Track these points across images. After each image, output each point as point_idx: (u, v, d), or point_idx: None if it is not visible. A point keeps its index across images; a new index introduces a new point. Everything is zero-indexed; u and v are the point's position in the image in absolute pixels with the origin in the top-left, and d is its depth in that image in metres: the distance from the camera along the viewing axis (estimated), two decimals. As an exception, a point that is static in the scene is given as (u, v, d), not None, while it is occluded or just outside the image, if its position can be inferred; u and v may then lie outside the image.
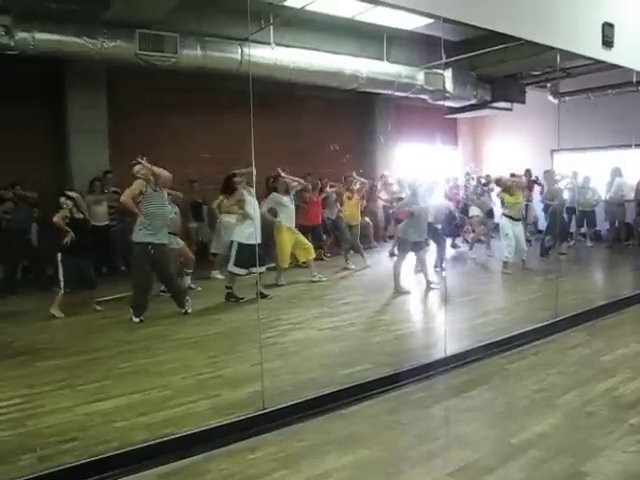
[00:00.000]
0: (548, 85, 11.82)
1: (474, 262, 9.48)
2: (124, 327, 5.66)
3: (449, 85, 10.71)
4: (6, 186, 7.74)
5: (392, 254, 9.45)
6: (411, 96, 10.80)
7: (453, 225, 10.29)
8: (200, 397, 3.80)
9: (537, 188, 11.09)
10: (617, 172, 10.70)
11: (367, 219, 10.67)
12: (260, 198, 7.46)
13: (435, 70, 10.27)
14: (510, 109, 12.29)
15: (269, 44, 8.51)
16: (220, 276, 8.06)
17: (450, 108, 12.37)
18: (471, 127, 14.70)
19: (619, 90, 10.62)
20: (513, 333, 5.01)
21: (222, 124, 9.85)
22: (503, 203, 8.55)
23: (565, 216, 10.41)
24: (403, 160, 12.89)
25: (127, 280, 6.45)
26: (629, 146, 9.78)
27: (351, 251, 9.18)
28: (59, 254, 6.13)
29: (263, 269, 6.80)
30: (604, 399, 3.72)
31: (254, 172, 5.04)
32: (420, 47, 9.87)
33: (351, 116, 12.35)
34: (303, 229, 8.60)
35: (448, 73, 10.55)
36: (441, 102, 11.47)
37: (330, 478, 2.83)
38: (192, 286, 7.43)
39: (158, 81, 8.94)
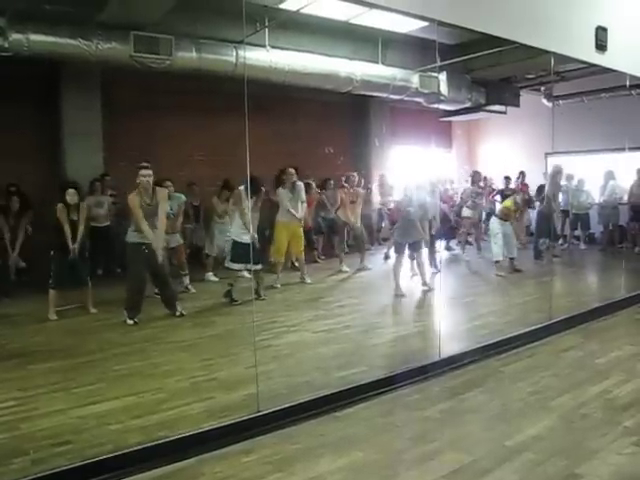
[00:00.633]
0: (542, 88, 11.87)
1: (467, 265, 9.49)
2: (118, 329, 5.64)
3: (444, 88, 10.74)
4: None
5: (387, 257, 9.47)
6: (406, 99, 10.81)
7: (448, 227, 10.30)
8: (194, 400, 3.78)
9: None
10: (611, 175, 10.74)
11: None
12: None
13: (430, 73, 10.30)
14: (504, 112, 12.34)
15: (264, 47, 8.51)
16: (214, 278, 8.07)
17: (445, 111, 12.41)
18: (465, 130, 14.74)
19: (613, 94, 10.67)
20: (508, 335, 5.03)
21: (217, 126, 9.84)
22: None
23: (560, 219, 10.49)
24: (398, 163, 12.90)
25: (123, 282, 6.41)
26: (622, 149, 9.80)
27: (343, 253, 9.21)
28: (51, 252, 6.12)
29: (258, 266, 6.80)
30: (598, 401, 3.74)
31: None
32: (415, 50, 9.88)
33: (346, 119, 12.35)
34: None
35: (443, 76, 10.59)
36: (436, 105, 11.50)
37: (325, 481, 2.83)
38: (189, 287, 7.42)
39: (153, 83, 8.93)
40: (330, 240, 10.12)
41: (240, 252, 6.57)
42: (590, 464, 2.92)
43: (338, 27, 8.81)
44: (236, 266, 6.73)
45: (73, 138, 8.69)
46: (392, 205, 10.78)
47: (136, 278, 5.89)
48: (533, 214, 10.10)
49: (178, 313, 6.12)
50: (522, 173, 11.40)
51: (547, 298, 5.92)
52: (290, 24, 8.69)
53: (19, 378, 4.27)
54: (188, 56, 8.01)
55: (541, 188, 10.08)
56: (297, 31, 8.87)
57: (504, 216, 8.55)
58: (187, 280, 7.46)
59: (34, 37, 6.95)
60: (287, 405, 3.53)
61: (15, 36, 6.80)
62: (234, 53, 8.30)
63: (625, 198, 10.58)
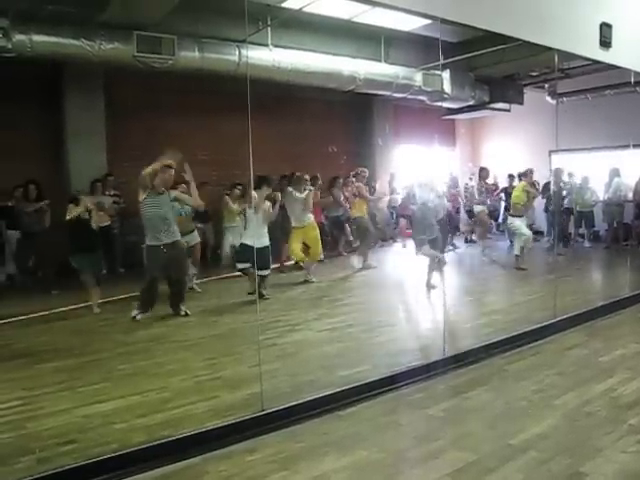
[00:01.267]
0: (546, 86, 11.85)
1: (475, 262, 9.47)
2: (123, 329, 5.66)
3: (447, 86, 10.72)
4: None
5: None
6: (409, 97, 10.80)
7: (452, 225, 10.31)
8: (199, 399, 3.79)
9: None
10: (615, 172, 10.70)
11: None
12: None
13: (433, 71, 10.28)
14: (508, 110, 12.30)
15: (267, 46, 8.51)
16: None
17: (448, 109, 12.39)
18: (469, 128, 14.71)
19: (617, 91, 10.65)
20: (512, 334, 5.01)
21: (220, 126, 9.85)
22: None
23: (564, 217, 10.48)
24: (401, 161, 12.89)
25: (127, 282, 6.44)
26: (627, 146, 9.79)
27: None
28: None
29: (266, 272, 6.82)
30: (603, 399, 3.72)
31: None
32: (418, 48, 9.87)
33: (349, 117, 12.35)
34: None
35: (446, 74, 10.56)
36: (439, 103, 11.49)
37: (329, 479, 2.83)
38: (194, 287, 7.44)
39: (156, 83, 8.95)
40: (335, 238, 10.11)
41: (247, 254, 6.59)
42: (595, 462, 2.91)
43: (341, 25, 8.81)
44: (242, 265, 6.73)
45: (76, 138, 8.73)
46: (399, 202, 10.83)
47: (152, 275, 5.94)
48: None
49: (183, 312, 6.13)
50: (530, 171, 11.37)
51: (552, 296, 5.90)
52: (293, 23, 8.69)
53: (25, 378, 4.28)
54: (191, 56, 8.02)
55: (547, 185, 10.06)
56: (300, 30, 8.86)
57: (517, 212, 8.55)
58: (194, 280, 7.46)
59: (37, 38, 6.97)
60: (291, 404, 3.53)
61: (18, 37, 6.82)
62: (237, 52, 8.31)
63: (630, 196, 10.54)
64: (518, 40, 5.22)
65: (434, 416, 3.56)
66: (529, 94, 12.08)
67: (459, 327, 5.49)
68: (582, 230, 11.16)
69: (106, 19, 7.25)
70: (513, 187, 10.72)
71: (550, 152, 11.16)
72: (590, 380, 4.08)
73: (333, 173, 10.27)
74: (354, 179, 9.22)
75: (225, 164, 9.58)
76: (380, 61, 9.86)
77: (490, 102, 11.79)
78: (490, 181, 11.08)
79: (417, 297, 7.14)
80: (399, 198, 11.28)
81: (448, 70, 10.46)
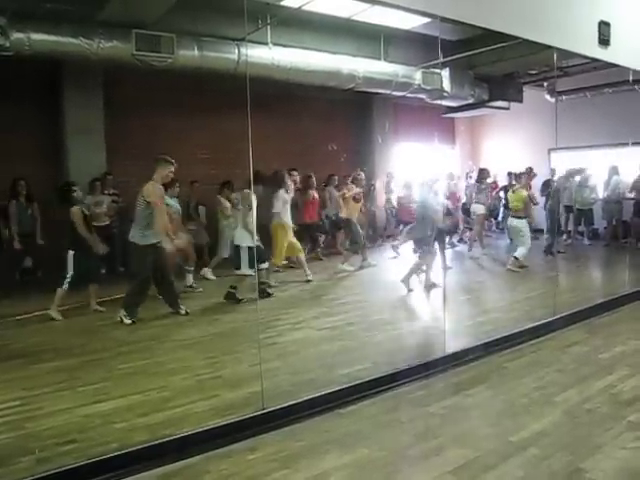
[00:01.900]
0: (545, 84, 11.83)
1: (474, 261, 9.47)
2: (123, 328, 5.65)
3: (446, 84, 10.71)
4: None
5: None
6: (409, 95, 10.79)
7: (451, 224, 10.30)
8: (199, 398, 3.79)
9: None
10: (614, 170, 10.72)
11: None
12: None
13: (432, 69, 10.27)
14: (507, 108, 12.30)
15: (266, 44, 8.49)
16: (211, 276, 8.06)
17: (448, 107, 12.38)
18: (469, 126, 14.71)
19: (616, 89, 10.65)
20: (512, 331, 5.02)
21: (219, 124, 9.84)
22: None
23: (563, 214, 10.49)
24: (401, 159, 12.89)
25: (126, 281, 6.41)
26: (626, 144, 9.79)
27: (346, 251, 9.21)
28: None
29: (265, 265, 6.87)
30: (603, 396, 3.74)
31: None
32: (417, 46, 9.85)
33: (349, 116, 12.34)
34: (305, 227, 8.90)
35: (445, 72, 10.55)
36: (439, 101, 11.47)
37: (330, 478, 2.83)
38: (194, 285, 7.43)
39: (155, 82, 8.93)
40: (333, 238, 10.10)
41: (244, 256, 6.59)
42: (595, 459, 2.92)
43: (340, 24, 8.79)
44: (245, 271, 6.70)
45: (75, 137, 8.71)
46: (395, 203, 10.82)
47: (139, 276, 5.91)
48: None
49: (183, 312, 6.13)
50: (530, 169, 11.37)
51: (551, 294, 5.91)
52: (292, 21, 8.67)
53: (24, 377, 4.28)
54: (190, 54, 8.00)
55: (547, 183, 10.06)
56: (299, 28, 8.84)
57: (519, 213, 8.52)
58: (191, 278, 7.47)
59: (35, 36, 6.94)
60: (292, 402, 3.54)
61: (16, 35, 6.79)
62: (236, 51, 8.29)
63: (628, 193, 10.55)
64: (517, 38, 5.22)
65: (435, 414, 3.56)
66: (528, 92, 12.07)
67: (459, 325, 5.50)
68: (581, 228, 11.16)
69: (105, 17, 7.22)
70: (512, 185, 10.74)
71: (549, 150, 11.17)
72: (590, 377, 4.10)
73: (333, 171, 10.27)
74: (353, 185, 9.09)
75: (225, 162, 9.56)
76: (379, 59, 9.84)
77: (489, 100, 11.78)
78: (490, 180, 11.08)
79: (417, 295, 7.13)
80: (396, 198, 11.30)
81: (448, 68, 10.45)
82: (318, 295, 7.15)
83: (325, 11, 8.12)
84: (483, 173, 10.29)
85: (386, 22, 8.90)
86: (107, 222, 8.31)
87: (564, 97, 11.43)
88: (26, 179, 7.70)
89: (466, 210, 10.97)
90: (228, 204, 8.08)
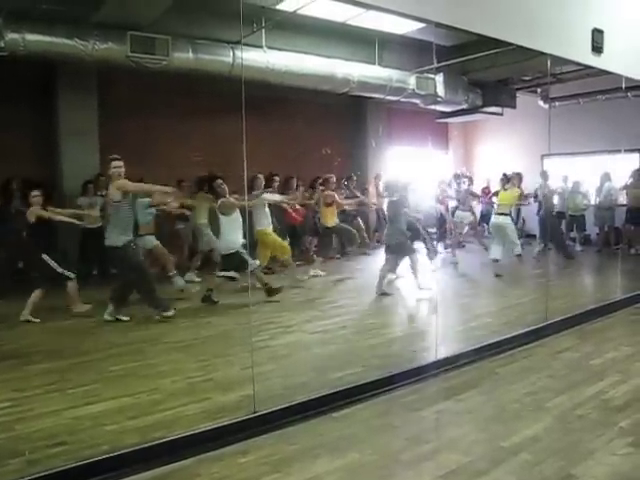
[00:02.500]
0: (538, 90, 11.92)
1: (457, 267, 9.40)
2: (114, 330, 5.63)
3: (440, 89, 10.77)
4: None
5: None
6: (402, 100, 10.83)
7: (443, 229, 10.30)
8: (190, 400, 3.78)
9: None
10: (607, 177, 10.78)
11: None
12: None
13: (427, 74, 10.33)
14: (501, 114, 12.38)
15: (261, 47, 8.52)
16: (197, 278, 8.03)
17: (441, 112, 12.43)
18: (462, 132, 14.76)
19: (609, 96, 10.71)
20: (503, 337, 5.03)
21: (214, 127, 9.83)
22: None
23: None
24: (394, 164, 12.92)
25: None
26: (618, 151, 9.86)
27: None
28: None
29: (256, 263, 6.93)
30: (594, 402, 3.75)
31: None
32: (412, 51, 9.90)
33: (343, 120, 12.37)
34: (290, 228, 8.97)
35: (439, 78, 10.61)
36: (432, 106, 11.52)
37: (321, 481, 2.82)
38: (189, 284, 7.40)
39: (149, 84, 8.92)
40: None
41: (230, 261, 6.65)
42: (586, 464, 2.92)
43: (335, 28, 8.83)
44: (227, 273, 6.74)
45: (69, 138, 8.69)
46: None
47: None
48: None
49: (170, 313, 6.03)
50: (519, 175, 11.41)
51: (543, 299, 5.93)
52: (287, 25, 8.69)
53: (14, 379, 4.25)
54: (185, 56, 8.01)
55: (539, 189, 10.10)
56: (294, 32, 8.88)
57: (503, 209, 8.47)
58: (181, 281, 7.40)
59: (30, 37, 6.94)
60: (284, 406, 3.53)
61: (11, 36, 6.79)
62: (231, 54, 8.30)
63: (621, 200, 10.61)
64: (511, 44, 5.26)
65: (427, 418, 3.56)
66: (522, 98, 12.14)
67: (451, 330, 5.51)
68: (573, 234, 11.22)
69: (100, 19, 7.22)
70: (505, 189, 10.76)
71: (542, 156, 11.22)
72: (581, 383, 4.11)
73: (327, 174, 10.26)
74: (322, 187, 8.92)
75: (218, 165, 9.53)
76: (374, 64, 9.89)
77: (483, 106, 11.85)
78: (483, 184, 11.10)
79: (409, 300, 7.14)
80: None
81: (442, 73, 10.51)
82: (311, 299, 7.14)
83: (320, 15, 8.15)
84: (469, 180, 10.28)
85: (381, 27, 8.96)
86: (100, 224, 8.24)
87: (557, 103, 11.49)
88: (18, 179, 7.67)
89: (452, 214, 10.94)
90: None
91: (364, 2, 4.34)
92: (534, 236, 11.04)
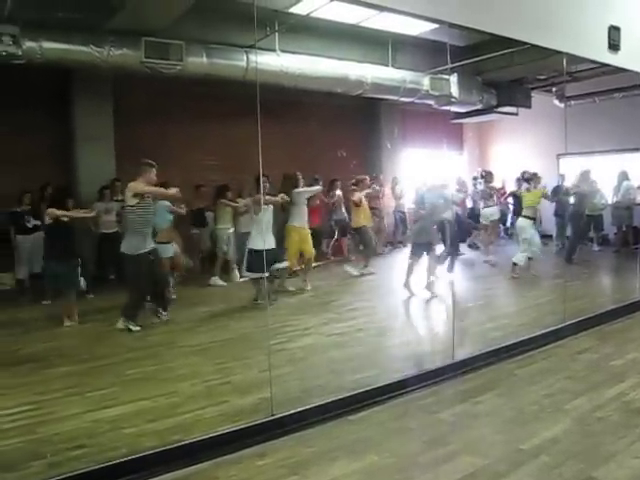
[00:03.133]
0: (554, 89, 11.79)
1: (488, 266, 9.35)
2: (130, 334, 5.66)
3: (454, 90, 10.70)
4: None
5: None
6: (417, 101, 10.81)
7: (463, 230, 10.24)
8: (208, 404, 3.79)
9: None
10: (624, 176, 10.66)
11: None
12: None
13: (440, 75, 10.28)
14: (516, 114, 12.28)
15: (275, 51, 8.54)
16: (221, 282, 8.07)
17: (456, 113, 12.39)
18: (477, 132, 14.69)
19: (625, 94, 10.59)
20: (522, 338, 4.99)
21: (228, 131, 9.88)
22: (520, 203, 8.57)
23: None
24: (409, 165, 12.89)
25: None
26: (636, 149, 9.75)
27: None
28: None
29: (283, 265, 6.99)
30: (614, 404, 3.70)
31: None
32: (425, 52, 9.87)
33: (357, 122, 12.36)
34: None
35: (454, 78, 10.54)
36: (447, 107, 11.48)
37: (339, 484, 2.82)
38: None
39: (164, 89, 8.98)
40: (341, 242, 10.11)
41: (257, 260, 6.54)
42: (607, 467, 2.89)
43: (348, 30, 8.82)
44: (253, 275, 6.72)
45: (85, 143, 8.77)
46: (406, 208, 10.79)
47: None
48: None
49: (164, 318, 6.07)
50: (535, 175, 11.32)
51: (561, 300, 5.88)
52: (300, 28, 8.70)
53: (35, 382, 4.30)
54: (199, 61, 8.06)
55: (557, 189, 10.00)
56: (307, 35, 8.88)
57: (530, 212, 8.36)
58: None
59: (47, 45, 7.02)
60: (301, 409, 3.53)
61: (28, 44, 6.87)
62: (245, 58, 8.34)
63: (639, 199, 10.48)
64: (526, 44, 5.23)
65: (444, 420, 3.54)
66: (537, 97, 12.04)
67: (468, 331, 5.48)
68: (591, 234, 11.08)
69: (115, 26, 7.29)
70: (521, 191, 10.66)
71: (558, 156, 11.13)
72: (601, 384, 4.06)
73: (343, 177, 10.27)
74: (354, 187, 8.93)
75: (234, 169, 9.59)
76: (387, 65, 9.87)
77: (498, 106, 11.77)
78: (498, 185, 11.02)
79: (425, 302, 7.11)
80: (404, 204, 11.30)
81: (456, 74, 10.44)
82: (326, 301, 7.13)
83: (333, 18, 8.16)
84: (488, 177, 10.20)
85: (394, 28, 8.93)
86: (116, 229, 8.30)
87: (573, 102, 11.38)
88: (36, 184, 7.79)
89: (475, 216, 10.90)
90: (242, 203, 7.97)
91: (377, 4, 4.34)
92: (550, 236, 10.93)
